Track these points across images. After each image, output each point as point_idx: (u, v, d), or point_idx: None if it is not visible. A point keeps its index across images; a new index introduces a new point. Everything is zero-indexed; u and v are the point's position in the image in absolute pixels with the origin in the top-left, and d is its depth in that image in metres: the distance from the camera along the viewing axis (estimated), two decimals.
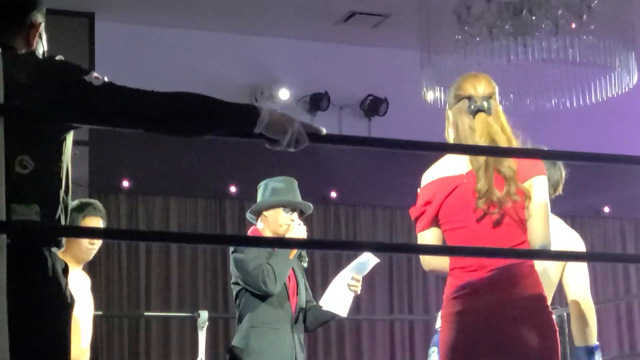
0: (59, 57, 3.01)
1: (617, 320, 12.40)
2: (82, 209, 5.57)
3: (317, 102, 11.16)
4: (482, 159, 3.85)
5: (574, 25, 7.89)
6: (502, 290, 3.78)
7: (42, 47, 3.16)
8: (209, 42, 10.98)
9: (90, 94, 2.84)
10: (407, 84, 9.46)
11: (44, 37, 3.18)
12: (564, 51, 7.93)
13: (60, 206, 2.89)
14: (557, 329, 3.88)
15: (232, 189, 10.59)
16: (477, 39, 8.02)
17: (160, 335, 10.57)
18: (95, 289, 6.10)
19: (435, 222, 3.95)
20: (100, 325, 10.19)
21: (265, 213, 5.58)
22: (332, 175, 10.25)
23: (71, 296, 2.92)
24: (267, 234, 5.57)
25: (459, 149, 4.07)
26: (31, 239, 2.80)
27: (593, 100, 8.28)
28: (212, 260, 10.88)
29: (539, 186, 3.86)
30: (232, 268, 5.55)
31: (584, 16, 7.84)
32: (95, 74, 2.88)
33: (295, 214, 5.58)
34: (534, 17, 7.89)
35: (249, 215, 5.76)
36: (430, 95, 8.44)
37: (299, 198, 5.64)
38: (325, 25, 11.07)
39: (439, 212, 3.92)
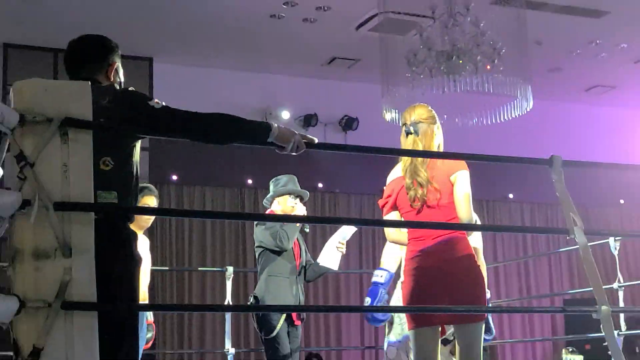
0: (131, 88, 3.04)
1: (517, 273, 12.43)
2: (141, 190, 5.56)
3: (308, 120, 11.17)
4: (406, 165, 3.91)
5: (488, 67, 7.88)
6: (444, 252, 3.80)
7: (119, 79, 3.18)
8: (234, 78, 10.99)
9: (152, 114, 2.86)
10: (372, 107, 9.45)
11: (121, 72, 3.21)
12: (481, 85, 7.92)
13: (132, 192, 2.91)
14: (484, 276, 3.89)
15: (249, 181, 10.60)
16: (421, 76, 8.00)
17: (198, 284, 10.56)
18: (152, 249, 6.07)
19: (394, 208, 3.98)
20: (155, 276, 10.22)
21: (277, 199, 5.66)
22: (319, 171, 10.27)
23: (139, 255, 2.94)
24: (280, 212, 5.65)
25: (398, 153, 4.09)
26: (111, 215, 2.81)
27: (502, 119, 8.28)
28: (235, 231, 10.88)
29: (462, 178, 3.84)
30: (256, 235, 5.60)
31: (495, 60, 7.84)
32: (155, 100, 2.91)
33: (298, 199, 5.66)
34: (460, 61, 7.88)
35: (265, 202, 5.80)
36: (388, 116, 8.42)
37: (299, 188, 5.71)
38: (314, 67, 11.09)
39: (396, 201, 3.94)
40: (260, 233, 5.52)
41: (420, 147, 3.91)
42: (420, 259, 3.85)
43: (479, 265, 3.90)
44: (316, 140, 3.01)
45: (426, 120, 3.97)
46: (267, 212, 5.81)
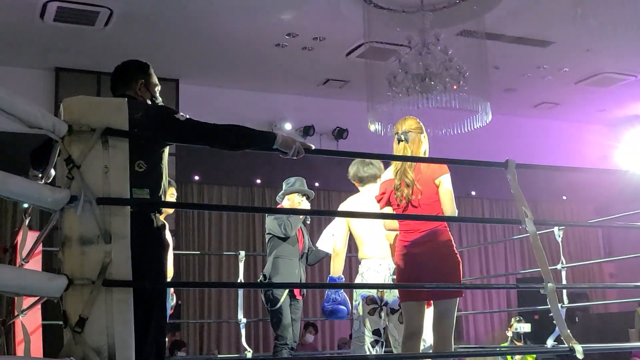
0: (160, 103, 3.04)
1: (478, 257, 12.45)
2: None
3: (307, 131, 11.13)
4: (396, 167, 3.93)
5: (455, 87, 7.87)
6: (430, 242, 3.81)
7: (149, 94, 3.18)
8: (245, 96, 10.99)
9: (178, 125, 2.86)
10: (359, 120, 9.44)
11: (152, 87, 3.21)
12: (449, 102, 7.92)
13: (162, 190, 2.91)
14: (460, 261, 3.88)
15: (258, 181, 10.59)
16: (400, 95, 7.99)
17: (215, 265, 10.57)
18: (178, 237, 6.07)
19: (388, 203, 3.99)
20: (180, 258, 10.22)
21: (287, 197, 5.71)
22: (316, 173, 10.25)
23: (167, 241, 2.94)
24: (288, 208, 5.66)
25: (381, 157, 4.09)
26: (144, 208, 2.80)
27: (467, 130, 8.28)
28: (246, 222, 10.89)
29: (445, 181, 3.87)
30: (267, 224, 5.64)
31: (461, 82, 7.83)
32: (181, 113, 2.91)
33: (304, 197, 5.71)
34: (432, 82, 7.88)
35: (278, 198, 5.84)
36: (372, 127, 8.41)
37: (306, 188, 5.76)
38: (311, 87, 11.08)
39: (389, 198, 3.94)
40: (270, 222, 5.57)
41: (409, 153, 3.93)
42: (410, 247, 3.86)
43: (457, 253, 3.89)
44: (313, 147, 3.01)
45: (415, 130, 3.99)
46: (278, 206, 5.82)
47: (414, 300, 3.88)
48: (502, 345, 10.11)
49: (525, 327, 8.52)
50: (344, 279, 4.60)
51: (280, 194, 5.79)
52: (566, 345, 3.01)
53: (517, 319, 8.68)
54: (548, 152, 11.77)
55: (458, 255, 3.89)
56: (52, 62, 9.67)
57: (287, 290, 5.37)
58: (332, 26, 8.94)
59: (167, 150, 2.99)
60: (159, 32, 8.82)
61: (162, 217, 5.53)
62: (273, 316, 5.42)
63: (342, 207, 4.73)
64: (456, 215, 3.96)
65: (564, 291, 6.08)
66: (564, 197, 12.99)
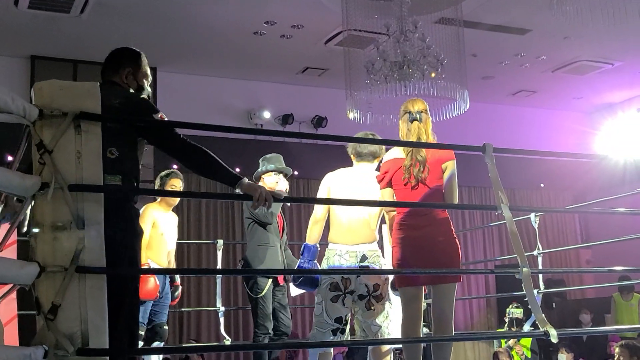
0: (143, 96, 3.00)
1: (483, 238, 12.54)
2: (168, 174, 5.61)
3: (286, 119, 11.11)
4: (408, 150, 3.90)
5: (433, 75, 7.88)
6: (429, 226, 3.81)
7: (135, 84, 3.13)
8: (224, 84, 10.97)
9: (154, 127, 2.88)
10: (338, 108, 9.44)
11: (140, 76, 3.17)
12: (427, 89, 7.92)
13: (133, 176, 2.86)
14: (459, 246, 3.88)
15: (237, 169, 10.50)
16: (378, 83, 7.98)
17: (194, 253, 10.52)
18: (154, 226, 6.03)
19: (389, 184, 3.96)
20: None
21: (262, 176, 5.44)
22: (296, 162, 10.21)
23: (140, 228, 2.89)
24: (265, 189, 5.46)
25: (365, 141, 4.07)
26: (115, 195, 2.76)
27: (445, 117, 8.29)
28: (225, 211, 10.85)
29: (452, 167, 3.90)
30: (245, 209, 5.41)
31: (439, 69, 7.83)
32: (161, 114, 2.88)
33: (281, 175, 5.42)
34: (410, 70, 7.87)
35: (254, 179, 5.51)
36: (351, 115, 8.40)
37: (282, 165, 5.47)
38: (290, 75, 11.06)
39: (392, 178, 3.92)
40: (249, 208, 5.30)
41: (422, 132, 3.92)
42: (409, 231, 3.83)
43: (456, 238, 3.88)
44: (283, 196, 2.92)
45: (425, 112, 4.01)
46: None
47: (412, 286, 3.86)
48: (497, 330, 10.19)
49: (518, 313, 8.59)
50: (319, 248, 4.40)
51: (255, 175, 5.50)
52: (541, 329, 3.02)
53: (515, 305, 8.73)
54: (525, 140, 11.83)
55: (457, 241, 3.89)
56: (28, 50, 9.55)
57: (270, 280, 5.21)
58: (311, 14, 8.90)
59: (142, 142, 2.93)
60: (136, 19, 8.74)
61: (168, 209, 5.52)
62: (254, 304, 5.23)
63: (330, 176, 4.48)
64: (455, 202, 3.97)
65: (540, 277, 6.11)
66: (542, 185, 13.07)
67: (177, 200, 5.83)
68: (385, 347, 4.17)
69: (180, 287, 5.67)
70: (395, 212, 3.98)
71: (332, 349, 4.32)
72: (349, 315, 4.28)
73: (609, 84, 11.82)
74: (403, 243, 3.84)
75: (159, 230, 5.47)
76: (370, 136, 4.38)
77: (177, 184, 5.60)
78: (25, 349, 2.21)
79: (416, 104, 4.02)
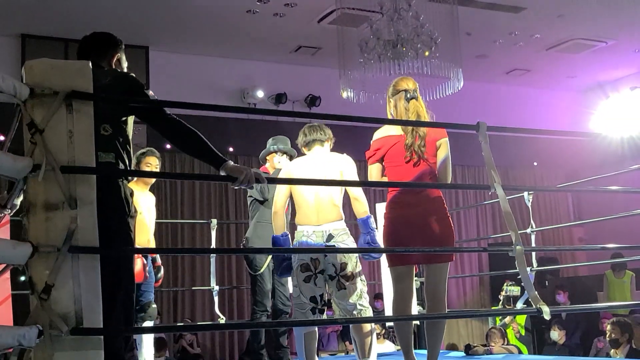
0: (132, 75, 2.99)
1: (476, 217, 12.57)
2: (144, 153, 5.57)
3: (279, 98, 11.07)
4: (408, 129, 3.90)
5: (427, 53, 7.85)
6: (423, 204, 3.80)
7: (120, 69, 3.15)
8: (217, 63, 10.92)
9: (146, 102, 2.90)
10: (331, 88, 9.41)
11: (124, 64, 3.19)
12: (421, 68, 7.90)
13: (126, 153, 2.85)
14: (452, 225, 3.88)
15: (230, 149, 10.49)
16: (372, 61, 7.96)
17: (189, 232, 10.53)
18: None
19: (380, 160, 3.96)
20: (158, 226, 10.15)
21: (267, 157, 5.51)
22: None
23: (135, 209, 2.89)
24: (270, 169, 5.47)
25: (358, 119, 4.05)
26: (109, 173, 2.76)
27: (439, 97, 8.28)
28: (219, 190, 10.84)
29: (446, 145, 3.92)
30: (248, 189, 5.40)
31: (433, 48, 7.81)
32: (150, 92, 2.89)
33: (284, 156, 5.43)
34: (404, 49, 7.84)
35: (260, 159, 5.64)
36: (344, 94, 8.38)
37: (286, 147, 5.49)
38: (283, 54, 11.00)
39: (385, 155, 3.91)
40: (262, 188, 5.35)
41: (420, 110, 3.92)
42: (401, 209, 3.83)
43: (449, 217, 3.88)
44: (264, 179, 2.89)
45: (417, 90, 4.02)
46: (261, 167, 5.60)
47: (404, 265, 3.86)
48: (492, 307, 10.25)
49: (515, 291, 8.65)
50: (289, 235, 4.41)
51: (261, 155, 5.58)
52: (534, 306, 3.04)
53: (511, 283, 8.79)
54: (519, 118, 11.83)
55: (450, 219, 3.89)
56: (18, 28, 9.47)
57: (269, 257, 5.23)
58: None
59: (132, 118, 2.93)
60: None
61: (146, 188, 5.50)
62: (253, 281, 5.27)
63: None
64: (449, 181, 3.97)
65: (533, 255, 6.14)
66: (535, 164, 13.10)
67: (153, 180, 5.81)
68: (367, 327, 4.15)
69: (162, 268, 5.67)
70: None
71: (316, 328, 4.35)
72: (325, 294, 4.30)
73: (603, 62, 11.81)
74: (397, 221, 3.83)
75: (138, 209, 5.40)
76: (317, 129, 4.49)
77: (153, 162, 5.57)
78: (20, 329, 2.21)
79: (410, 82, 4.02)
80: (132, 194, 2.91)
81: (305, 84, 11.31)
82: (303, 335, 4.23)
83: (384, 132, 4.00)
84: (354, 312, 4.15)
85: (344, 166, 4.32)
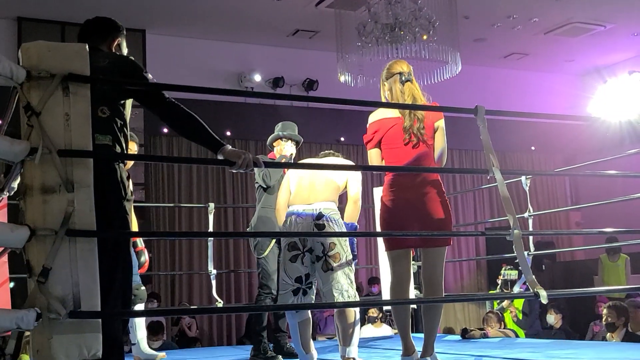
0: (131, 58, 2.97)
1: (473, 201, 12.59)
2: None
3: (277, 82, 11.04)
4: (405, 111, 3.87)
5: (425, 37, 7.84)
6: (420, 186, 3.78)
7: (120, 52, 3.13)
8: (214, 47, 10.88)
9: (145, 85, 2.87)
10: (329, 71, 9.39)
11: (124, 49, 3.16)
12: (419, 52, 7.90)
13: (123, 136, 2.84)
14: (450, 209, 3.88)
15: (228, 133, 10.47)
16: (370, 45, 7.95)
17: (186, 216, 10.53)
18: (146, 190, 6.04)
19: (378, 145, 3.93)
20: (150, 210, 10.16)
21: (273, 143, 5.45)
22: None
23: (132, 192, 2.89)
24: (277, 154, 5.39)
25: (353, 103, 4.04)
26: (106, 156, 2.76)
27: (436, 80, 8.28)
28: (217, 174, 10.84)
29: (442, 126, 3.90)
30: (255, 175, 5.44)
31: (431, 32, 7.80)
32: (149, 75, 2.87)
33: (290, 142, 5.37)
34: (402, 32, 7.83)
35: (268, 145, 5.55)
36: (342, 78, 8.38)
37: (291, 133, 5.42)
38: (281, 37, 10.96)
39: (383, 138, 3.89)
40: (257, 172, 5.35)
41: (415, 92, 3.90)
42: (398, 191, 3.82)
43: (447, 200, 3.88)
44: (262, 163, 2.89)
45: (412, 72, 4.00)
46: (269, 154, 5.57)
47: (401, 248, 3.85)
48: (489, 292, 10.28)
49: (513, 275, 8.67)
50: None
51: (268, 140, 5.53)
52: (531, 290, 3.05)
53: (509, 267, 8.81)
54: (517, 102, 11.82)
55: (448, 203, 3.87)
56: (14, 11, 9.42)
57: (273, 240, 5.20)
58: None
59: (130, 101, 2.92)
60: None
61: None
62: (259, 264, 5.30)
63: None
64: (444, 163, 3.96)
65: (531, 239, 6.15)
66: (533, 148, 13.11)
67: (132, 163, 5.77)
68: (352, 315, 4.09)
69: (145, 252, 5.64)
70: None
71: (309, 314, 4.32)
72: (311, 276, 4.21)
73: (601, 46, 11.79)
74: (394, 204, 3.82)
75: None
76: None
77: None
78: (18, 312, 2.22)
79: (404, 64, 4.01)
80: (128, 177, 2.90)
81: (302, 67, 11.28)
82: (297, 325, 4.18)
83: (379, 114, 3.97)
84: (339, 297, 4.06)
85: (350, 174, 4.33)
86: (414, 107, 3.85)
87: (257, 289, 5.36)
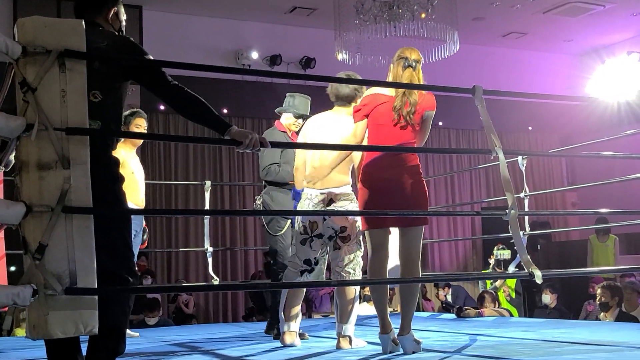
0: (132, 39, 2.91)
1: (445, 186, 12.58)
2: (133, 114, 5.48)
3: (274, 60, 10.99)
4: (400, 90, 3.86)
5: (423, 15, 7.80)
6: (399, 167, 3.80)
7: (118, 23, 3.02)
8: (211, 24, 10.82)
9: (147, 67, 2.81)
10: (327, 49, 9.34)
11: (122, 17, 3.04)
12: (417, 30, 7.86)
13: (115, 122, 2.77)
14: (427, 190, 3.90)
15: (225, 110, 10.44)
16: (367, 23, 7.91)
17: (182, 194, 10.54)
18: (145, 166, 6.01)
19: (365, 116, 3.94)
20: (149, 187, 10.15)
21: (284, 114, 5.30)
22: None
23: (120, 175, 2.81)
24: (287, 128, 5.26)
25: (349, 82, 4.04)
26: (95, 141, 2.70)
27: (434, 59, 8.25)
28: (213, 152, 10.83)
29: (431, 117, 3.96)
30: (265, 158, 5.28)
31: (429, 10, 7.76)
32: (150, 57, 2.81)
33: (300, 120, 5.21)
34: (400, 10, 7.79)
35: (277, 110, 5.38)
36: (340, 56, 8.34)
37: (302, 111, 5.28)
38: (278, 14, 10.90)
39: (371, 112, 3.90)
40: (262, 156, 5.21)
41: (415, 80, 3.91)
42: (377, 172, 3.84)
43: (424, 181, 3.90)
44: (268, 143, 2.88)
45: (419, 63, 3.99)
46: (275, 122, 5.43)
47: (379, 227, 3.89)
48: (483, 271, 10.33)
49: (506, 254, 8.70)
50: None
51: (279, 109, 5.38)
52: (526, 270, 3.06)
53: (501, 247, 8.84)
54: (514, 82, 11.80)
55: (425, 185, 3.90)
56: None
57: (289, 220, 5.11)
58: None
59: (126, 85, 2.85)
60: None
61: (133, 149, 5.44)
62: (274, 241, 5.16)
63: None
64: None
65: (526, 219, 6.17)
66: (530, 128, 13.10)
67: (140, 142, 5.76)
68: (351, 293, 4.15)
69: (147, 230, 5.64)
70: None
71: (304, 290, 4.41)
72: (320, 257, 4.34)
73: (600, 26, 11.74)
74: (372, 184, 3.86)
75: (129, 169, 5.31)
76: (353, 76, 4.38)
77: (141, 124, 5.51)
78: (14, 288, 2.22)
79: (414, 52, 4.03)
80: (117, 164, 2.83)
81: (300, 45, 11.23)
82: (287, 292, 4.35)
83: (372, 91, 4.01)
84: (343, 275, 4.18)
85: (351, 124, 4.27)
86: (407, 86, 3.84)
87: (268, 265, 5.22)
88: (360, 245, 4.26)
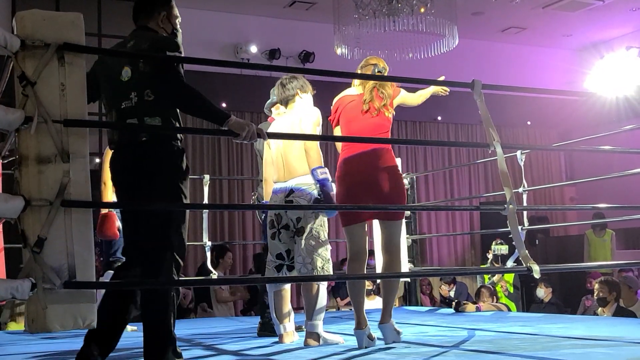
0: (167, 38, 3.04)
1: (443, 180, 12.58)
2: None
3: (273, 54, 10.99)
4: (369, 86, 3.91)
5: (422, 10, 7.79)
6: (373, 159, 3.83)
7: (171, 26, 3.17)
8: (211, 17, 10.79)
9: (162, 62, 2.87)
10: (326, 44, 9.34)
11: (173, 19, 3.19)
12: (416, 25, 7.85)
13: (173, 117, 2.93)
14: (404, 181, 3.92)
15: (224, 104, 10.43)
16: (367, 17, 7.90)
17: None
18: None
19: (338, 123, 4.01)
20: None
21: (271, 108, 5.19)
22: None
23: (187, 166, 2.99)
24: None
25: (349, 76, 4.07)
26: (155, 136, 2.89)
27: (433, 54, 8.25)
28: (212, 146, 10.82)
29: (402, 95, 4.03)
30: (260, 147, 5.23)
31: (428, 4, 7.75)
32: (171, 53, 2.88)
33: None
34: (399, 5, 7.78)
35: (265, 110, 5.25)
36: (339, 51, 8.33)
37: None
38: (278, 8, 10.90)
39: (341, 114, 3.94)
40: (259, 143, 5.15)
41: (384, 85, 3.97)
42: (351, 164, 3.86)
43: (401, 174, 3.92)
44: (265, 135, 2.90)
45: (386, 71, 4.05)
46: (269, 119, 5.47)
47: (357, 222, 3.87)
48: (481, 266, 10.33)
49: (504, 249, 8.70)
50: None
51: (266, 105, 5.25)
52: (524, 265, 3.07)
53: (499, 242, 8.84)
54: (514, 77, 11.79)
55: (401, 176, 3.93)
56: None
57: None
58: None
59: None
60: None
61: None
62: (266, 237, 5.19)
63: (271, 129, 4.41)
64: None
65: (525, 214, 6.17)
66: (528, 123, 13.11)
67: None
68: (313, 289, 4.01)
69: None
70: None
71: (288, 287, 4.30)
72: (292, 251, 4.16)
73: (599, 21, 11.74)
74: (347, 178, 3.87)
75: None
76: (291, 79, 4.33)
77: None
78: (13, 282, 2.22)
79: (381, 61, 4.12)
80: (182, 153, 2.99)
81: (299, 39, 11.23)
82: (272, 295, 4.19)
83: (340, 96, 4.08)
84: (303, 270, 4.01)
85: (302, 115, 4.17)
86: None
87: (266, 261, 5.20)
88: (321, 240, 4.06)
